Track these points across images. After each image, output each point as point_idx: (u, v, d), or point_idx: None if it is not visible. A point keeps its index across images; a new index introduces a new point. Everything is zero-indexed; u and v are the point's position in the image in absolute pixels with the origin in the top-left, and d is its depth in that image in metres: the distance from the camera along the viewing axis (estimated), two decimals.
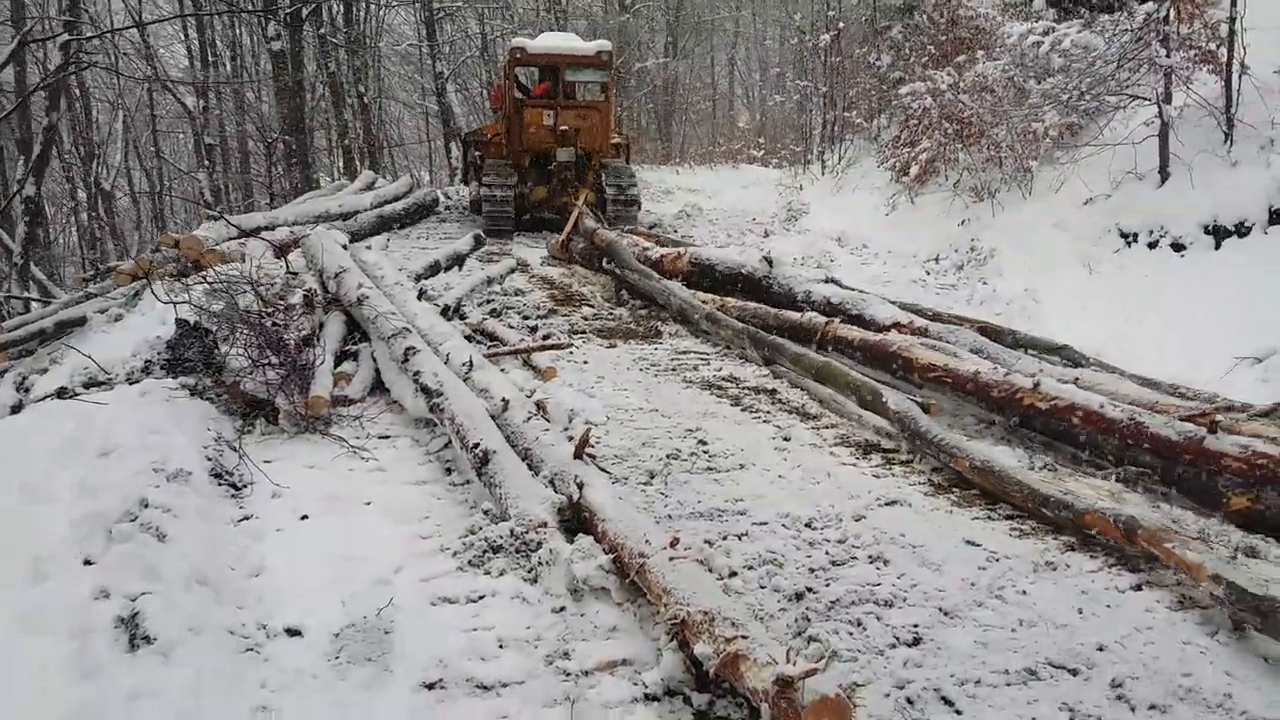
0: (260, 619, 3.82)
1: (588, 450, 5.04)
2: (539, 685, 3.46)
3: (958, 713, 3.34)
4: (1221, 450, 4.84)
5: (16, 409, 6.43)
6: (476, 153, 18.57)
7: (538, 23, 30.01)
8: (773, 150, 26.51)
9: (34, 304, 13.68)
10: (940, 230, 14.43)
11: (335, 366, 7.12)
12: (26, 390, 6.77)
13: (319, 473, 5.42)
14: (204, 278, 7.86)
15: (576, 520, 4.48)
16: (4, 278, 14.75)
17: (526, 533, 4.33)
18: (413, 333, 6.74)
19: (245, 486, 5.13)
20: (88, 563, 3.65)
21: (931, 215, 15.20)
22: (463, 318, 8.94)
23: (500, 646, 3.70)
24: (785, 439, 6.26)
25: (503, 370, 7.55)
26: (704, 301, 9.42)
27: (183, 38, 29.21)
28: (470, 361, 6.26)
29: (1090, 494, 5.08)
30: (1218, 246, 10.37)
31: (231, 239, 11.90)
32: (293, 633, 3.74)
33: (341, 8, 28.27)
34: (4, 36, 18.86)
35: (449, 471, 5.50)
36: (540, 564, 4.16)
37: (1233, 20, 10.68)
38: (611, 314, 10.15)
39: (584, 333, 9.18)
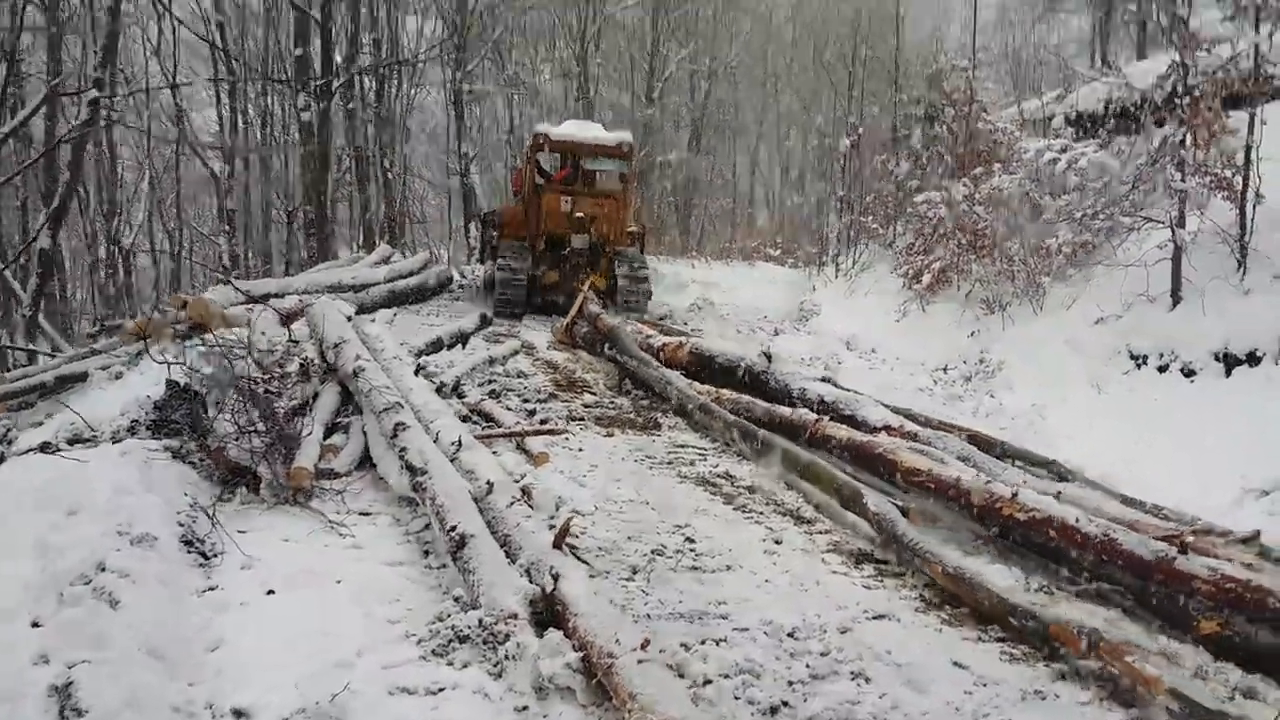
0: (209, 697, 3.66)
1: (568, 541, 4.91)
2: None
3: None
4: (1192, 572, 4.79)
5: None
6: (493, 233, 18.65)
7: (565, 111, 30.48)
8: (789, 250, 26.63)
9: (41, 356, 13.67)
10: (950, 340, 14.34)
11: (326, 438, 7.03)
12: (9, 443, 6.68)
13: (293, 546, 5.28)
14: (203, 340, 7.80)
15: (550, 613, 4.32)
16: (13, 329, 14.75)
17: (495, 624, 4.17)
18: (404, 408, 6.64)
19: (215, 556, 5.00)
20: (35, 625, 3.52)
21: (942, 324, 15.13)
22: (461, 397, 8.85)
23: None
24: (776, 542, 6.10)
25: (495, 453, 7.43)
26: (701, 393, 9.37)
27: (214, 103, 29.67)
28: (459, 441, 6.15)
29: (1075, 613, 4.90)
30: (1228, 374, 10.24)
31: (240, 303, 11.89)
32: (240, 715, 3.59)
33: (374, 84, 28.80)
34: (40, 88, 19.19)
35: (427, 553, 5.35)
36: (506, 658, 4.00)
37: (1249, 149, 10.70)
38: (613, 402, 10.04)
39: (582, 420, 9.06)
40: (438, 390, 7.92)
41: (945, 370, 13.64)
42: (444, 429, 6.42)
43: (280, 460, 6.08)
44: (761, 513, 6.73)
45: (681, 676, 4.15)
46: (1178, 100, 12.04)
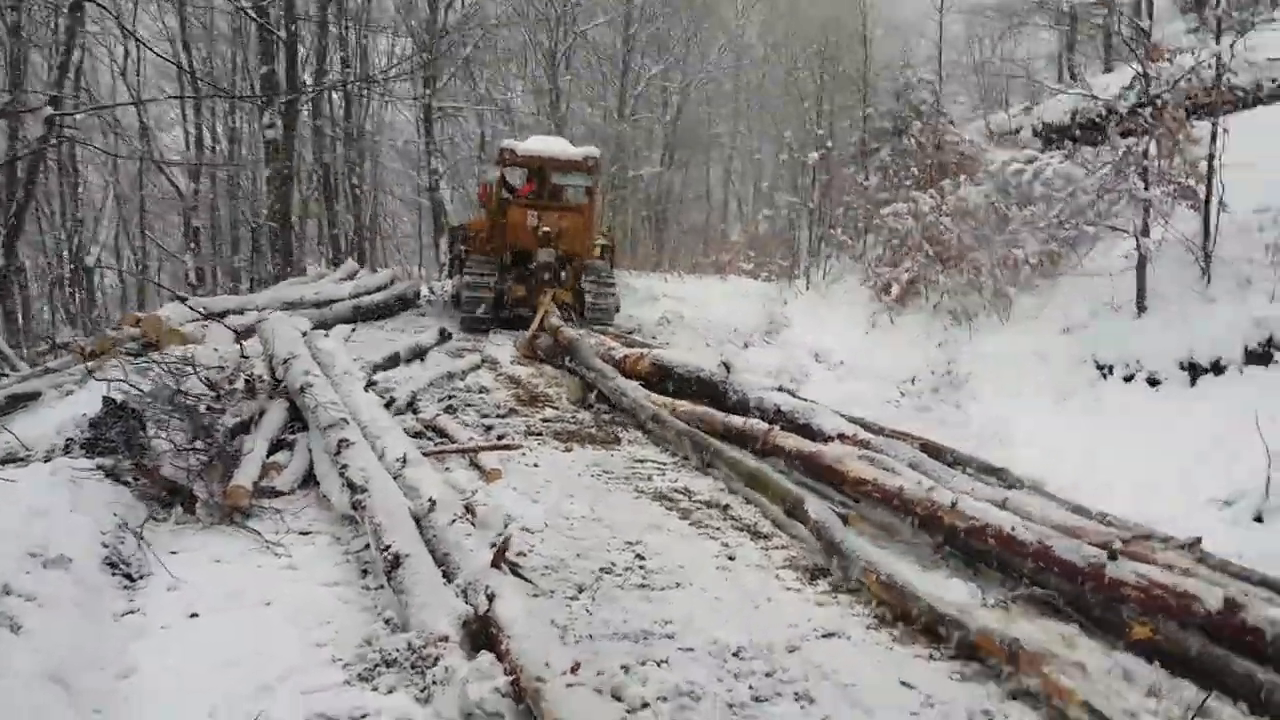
0: None
1: (509, 559, 4.74)
2: None
3: None
4: (1120, 578, 4.82)
5: None
6: (462, 247, 18.59)
7: (536, 126, 30.38)
8: (762, 264, 26.55)
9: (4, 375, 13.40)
10: (918, 351, 14.24)
11: (270, 455, 6.85)
12: None
13: (225, 567, 5.10)
14: (151, 358, 7.61)
15: (485, 635, 4.16)
16: None
17: (425, 646, 4.01)
18: (350, 424, 6.47)
19: (141, 578, 4.82)
20: None
21: (911, 336, 15.05)
22: (416, 412, 8.68)
23: None
24: (730, 558, 5.96)
25: (448, 469, 7.29)
26: (658, 404, 9.37)
27: (180, 121, 29.44)
28: (404, 458, 5.98)
29: (1034, 630, 4.78)
30: (1193, 383, 10.17)
31: (195, 320, 11.68)
32: None
33: (343, 101, 28.61)
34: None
35: (365, 573, 5.17)
36: (434, 682, 3.84)
37: (1212, 157, 10.66)
38: (574, 417, 9.88)
39: (540, 434, 8.90)
40: (387, 405, 7.74)
41: (913, 381, 13.54)
42: (390, 446, 6.25)
43: (218, 479, 5.91)
44: (718, 528, 6.58)
45: (619, 700, 3.99)
46: (1140, 111, 12.05)
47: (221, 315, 12.05)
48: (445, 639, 4.01)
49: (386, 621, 4.44)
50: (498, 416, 9.42)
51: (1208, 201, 10.82)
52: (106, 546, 4.80)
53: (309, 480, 6.59)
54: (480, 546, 4.92)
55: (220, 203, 30.27)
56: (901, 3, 31.18)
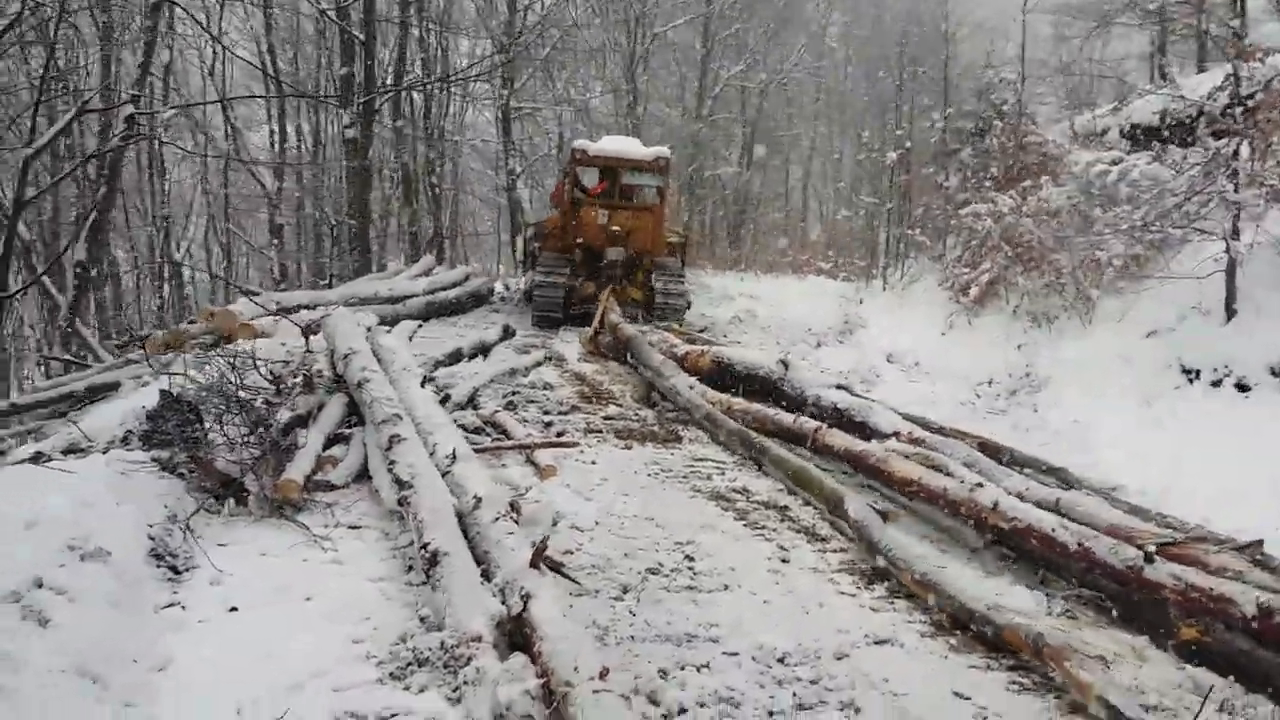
0: None
1: (551, 558, 4.65)
2: None
3: None
4: (1159, 580, 4.81)
5: None
6: (536, 244, 18.71)
7: (614, 126, 30.35)
8: (840, 264, 26.21)
9: (93, 363, 13.71)
10: (996, 354, 13.89)
11: (328, 449, 6.86)
12: (2, 454, 6.58)
13: (271, 561, 5.08)
14: (210, 352, 7.68)
15: (520, 636, 4.07)
16: (52, 340, 14.86)
17: (458, 646, 3.93)
18: (403, 420, 6.44)
19: (187, 570, 4.81)
20: None
21: (988, 338, 14.68)
22: (476, 408, 8.65)
23: None
24: (784, 560, 5.80)
25: (504, 466, 7.24)
26: (714, 402, 9.38)
27: (267, 120, 30.02)
28: (453, 454, 5.92)
29: (1102, 640, 4.55)
30: None
31: (268, 315, 11.82)
32: None
33: (423, 102, 28.89)
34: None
35: (410, 569, 5.11)
36: (465, 683, 3.76)
37: None
38: (637, 415, 9.79)
39: (600, 432, 8.81)
40: (443, 402, 7.71)
41: (989, 384, 13.21)
42: (441, 442, 6.20)
43: (270, 472, 5.90)
44: (774, 529, 6.43)
45: (655, 704, 3.89)
46: (1232, 111, 11.59)
47: (293, 310, 12.18)
48: (478, 639, 3.93)
49: (423, 620, 4.37)
50: (559, 413, 9.36)
51: None
52: (153, 539, 4.81)
53: (363, 475, 6.57)
54: (523, 545, 4.82)
55: (305, 200, 30.78)
56: (985, 2, 30.52)
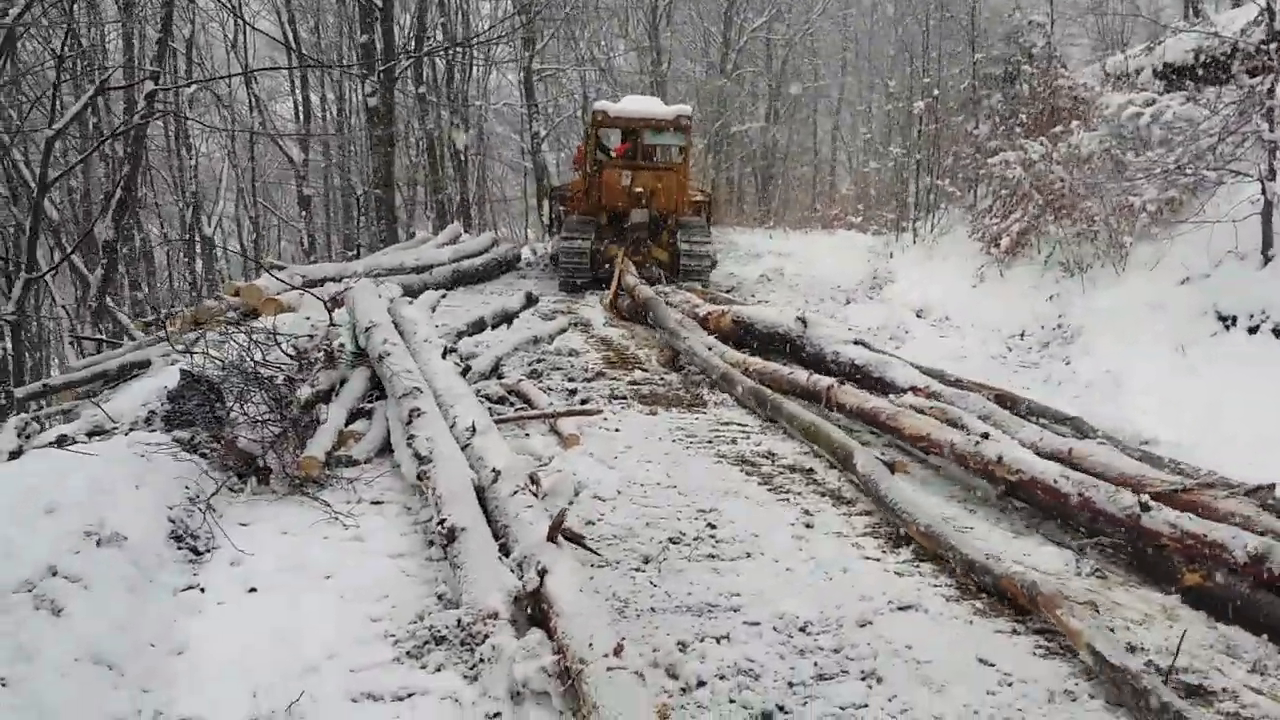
0: (160, 706, 3.47)
1: (570, 530, 4.61)
2: None
3: None
4: (1156, 528, 4.90)
5: (16, 454, 6.28)
6: (561, 208, 18.65)
7: (638, 86, 30.08)
8: (870, 217, 25.92)
9: (127, 342, 13.82)
10: (1027, 305, 13.70)
11: (350, 424, 6.86)
12: (28, 437, 6.63)
13: (291, 539, 5.08)
14: (229, 329, 7.68)
15: (538, 611, 4.05)
16: (83, 318, 14.99)
17: (474, 623, 3.91)
18: (424, 393, 6.41)
19: (208, 551, 4.83)
20: None
21: (1020, 289, 14.47)
22: (500, 377, 8.63)
23: None
24: (807, 526, 5.75)
25: (526, 436, 7.22)
26: (733, 362, 9.44)
27: (291, 91, 30.02)
28: (473, 427, 5.89)
29: (1132, 600, 4.48)
30: None
31: (294, 288, 11.84)
32: None
33: (445, 68, 28.75)
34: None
35: (431, 544, 5.08)
36: (482, 660, 3.74)
37: None
38: (662, 379, 9.73)
39: (625, 398, 8.77)
40: (465, 373, 7.67)
41: (1021, 336, 13.05)
42: (461, 414, 6.17)
43: (292, 449, 5.91)
44: (799, 493, 6.37)
45: (674, 677, 3.86)
46: (1266, 47, 11.27)
47: (319, 283, 12.19)
48: (495, 615, 3.91)
49: (440, 597, 4.36)
50: (584, 380, 9.32)
51: None
52: (173, 521, 4.82)
53: (386, 449, 6.56)
54: (542, 518, 4.78)
55: (332, 171, 30.82)
56: None
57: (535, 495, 5.09)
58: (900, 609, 4.62)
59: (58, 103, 13.09)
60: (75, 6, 12.91)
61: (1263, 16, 11.62)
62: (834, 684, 3.87)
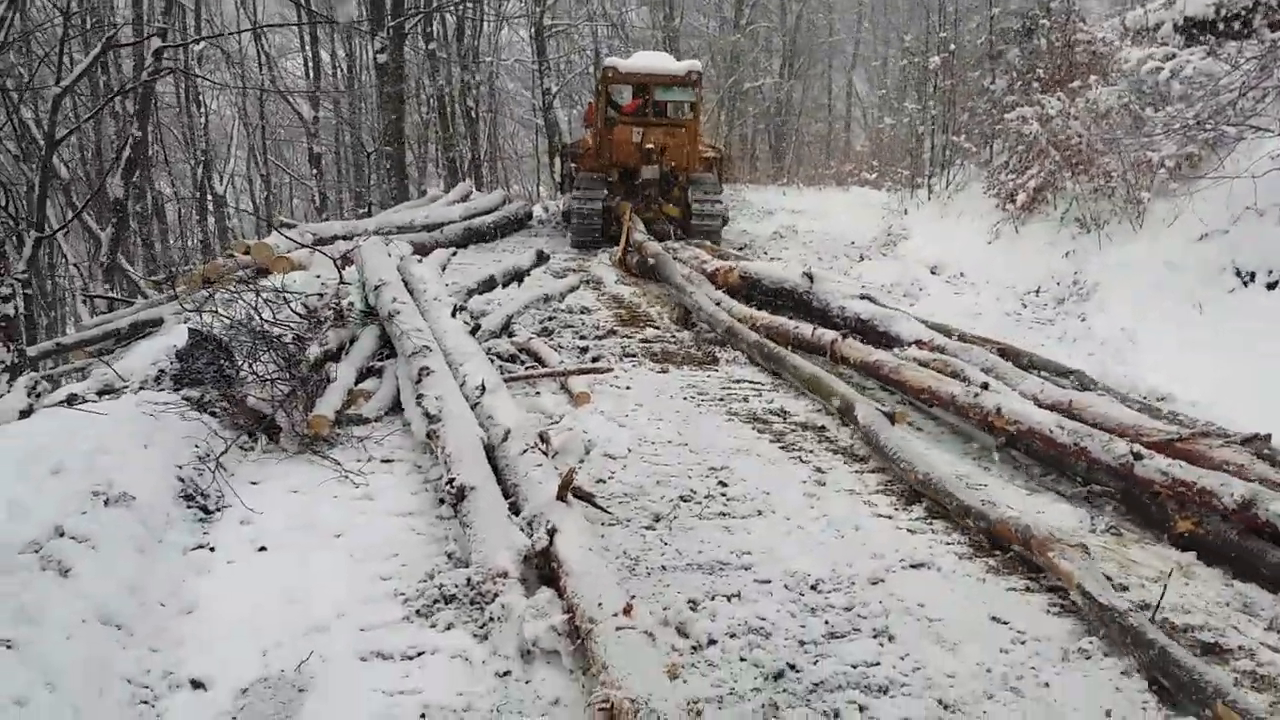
0: (169, 666, 3.47)
1: (581, 489, 4.59)
2: None
3: None
4: (1149, 476, 5.00)
5: (26, 414, 6.26)
6: (572, 165, 18.51)
7: (650, 41, 29.79)
8: (884, 174, 25.70)
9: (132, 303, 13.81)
10: (1043, 262, 13.55)
11: (360, 382, 6.84)
12: (38, 396, 6.62)
13: (301, 498, 5.08)
14: (238, 288, 7.65)
15: (548, 569, 4.03)
16: (94, 277, 14.98)
17: (484, 582, 3.90)
18: (433, 352, 6.38)
19: (218, 510, 4.82)
20: None
21: (1036, 246, 14.32)
22: (511, 335, 8.59)
23: (422, 717, 3.27)
24: (819, 483, 5.71)
25: (537, 394, 7.19)
26: (740, 317, 9.48)
27: (300, 48, 29.80)
28: (483, 385, 5.86)
29: (1147, 558, 4.45)
30: None
31: (304, 246, 11.78)
32: (197, 685, 3.39)
33: (455, 24, 28.47)
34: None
35: (441, 503, 5.07)
36: (492, 619, 3.73)
37: None
38: (674, 337, 9.68)
39: (636, 356, 8.72)
40: (474, 331, 7.63)
41: (1037, 293, 12.92)
42: (471, 373, 6.15)
43: (301, 408, 5.89)
44: (811, 450, 6.34)
45: (685, 636, 3.85)
46: None
47: (329, 241, 12.13)
48: (505, 574, 3.90)
49: (449, 555, 4.35)
50: (595, 338, 9.27)
51: None
52: (182, 480, 4.81)
53: (396, 407, 6.55)
54: (551, 477, 4.75)
55: (344, 129, 30.63)
56: None
57: (545, 454, 5.06)
58: (912, 567, 4.59)
59: (67, 60, 13.01)
60: None
61: None
62: (845, 642, 3.85)
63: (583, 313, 10.39)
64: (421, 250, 11.85)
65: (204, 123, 23.82)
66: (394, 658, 3.61)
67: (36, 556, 3.49)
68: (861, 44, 37.12)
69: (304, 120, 27.30)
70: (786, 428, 6.82)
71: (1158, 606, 4.01)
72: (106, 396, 6.28)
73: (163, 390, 5.94)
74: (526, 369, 7.59)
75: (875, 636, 3.90)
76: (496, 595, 3.80)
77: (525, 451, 4.95)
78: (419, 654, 3.63)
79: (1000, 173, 16.82)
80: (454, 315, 7.37)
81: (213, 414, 5.81)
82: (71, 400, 6.11)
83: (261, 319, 6.59)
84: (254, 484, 5.22)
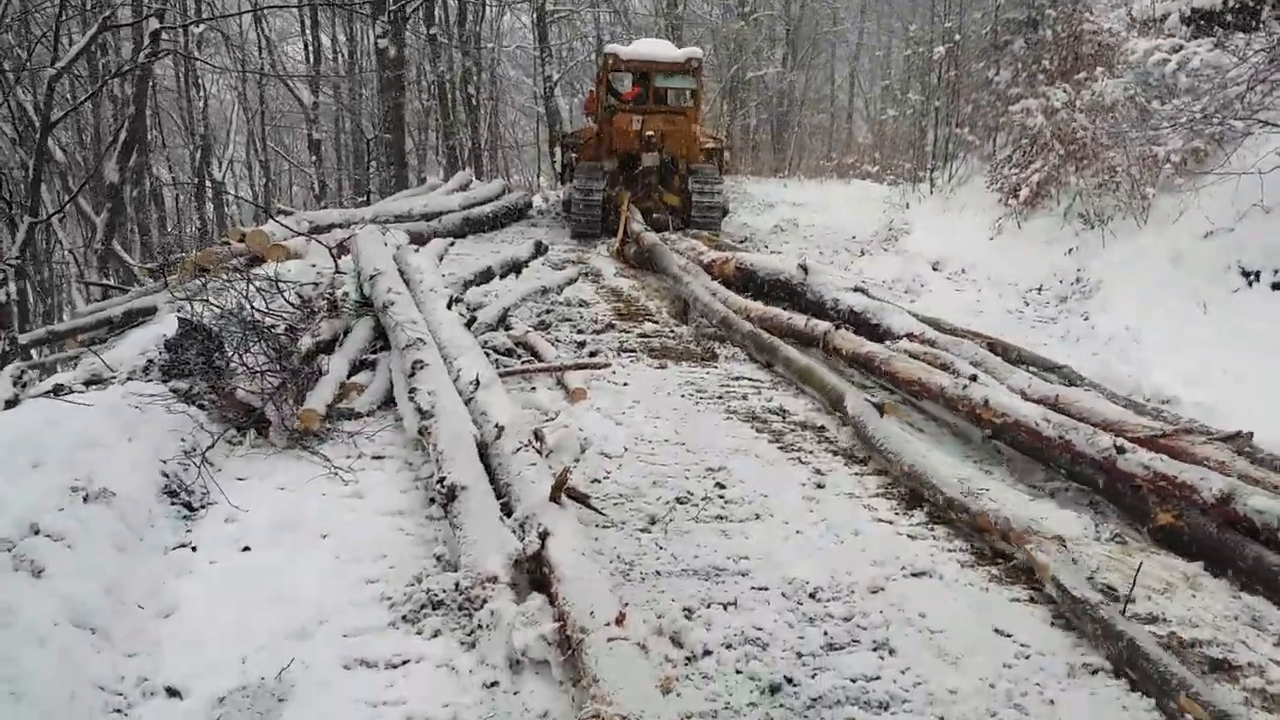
0: (145, 672, 3.36)
1: (575, 490, 4.48)
2: None
3: None
4: (1131, 470, 5.03)
5: (12, 404, 6.15)
6: (572, 154, 18.37)
7: (653, 28, 29.60)
8: (887, 166, 25.55)
9: (135, 288, 13.68)
10: (1046, 258, 13.43)
11: (353, 375, 6.72)
12: (24, 386, 6.50)
13: (288, 495, 4.96)
14: (229, 277, 7.52)
15: (539, 574, 3.92)
16: (88, 264, 14.85)
17: (473, 587, 3.79)
18: (427, 345, 6.26)
19: (203, 507, 4.70)
20: None
21: (1039, 242, 14.20)
22: (508, 329, 8.46)
23: None
24: (819, 486, 5.60)
25: (533, 390, 7.07)
26: (736, 308, 9.50)
27: (301, 32, 29.60)
28: (477, 380, 5.75)
29: (1154, 568, 4.34)
30: None
31: (300, 234, 11.65)
32: (172, 692, 3.27)
33: (457, 10, 28.29)
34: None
35: (432, 501, 4.95)
36: (480, 626, 3.62)
37: None
38: (673, 332, 9.56)
39: (634, 351, 8.60)
40: (469, 324, 7.50)
41: (1039, 290, 12.81)
42: (465, 367, 6.03)
43: (292, 401, 5.77)
44: (810, 451, 6.22)
45: (679, 645, 3.74)
46: None
47: (325, 229, 12.01)
48: (494, 579, 3.79)
49: (438, 558, 4.24)
50: (593, 332, 9.16)
51: None
52: (166, 475, 4.70)
53: (389, 401, 6.43)
54: (545, 477, 4.64)
55: (344, 115, 30.46)
56: None
57: (539, 452, 4.95)
58: (913, 575, 4.48)
59: (65, 40, 12.85)
60: None
61: None
62: (844, 654, 3.74)
63: (581, 306, 10.28)
64: (419, 240, 11.74)
65: (203, 107, 23.65)
66: (378, 666, 3.50)
67: (9, 555, 3.38)
68: (865, 33, 36.88)
69: (304, 106, 27.12)
70: (786, 427, 6.71)
71: (1128, 599, 4.09)
72: (94, 387, 6.15)
73: (150, 381, 5.82)
74: (522, 363, 7.47)
75: (875, 649, 3.79)
76: (485, 601, 3.69)
77: (519, 450, 4.83)
78: (404, 662, 3.52)
79: (1003, 167, 16.69)
80: (450, 307, 7.24)
81: (201, 407, 5.69)
82: (58, 391, 5.97)
83: (253, 309, 6.47)
84: (240, 480, 5.10)
